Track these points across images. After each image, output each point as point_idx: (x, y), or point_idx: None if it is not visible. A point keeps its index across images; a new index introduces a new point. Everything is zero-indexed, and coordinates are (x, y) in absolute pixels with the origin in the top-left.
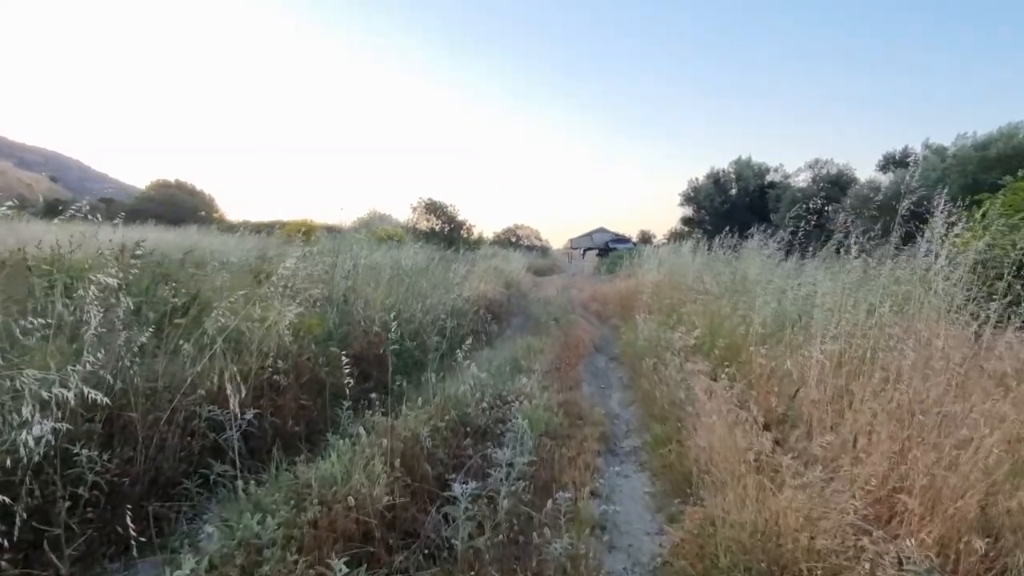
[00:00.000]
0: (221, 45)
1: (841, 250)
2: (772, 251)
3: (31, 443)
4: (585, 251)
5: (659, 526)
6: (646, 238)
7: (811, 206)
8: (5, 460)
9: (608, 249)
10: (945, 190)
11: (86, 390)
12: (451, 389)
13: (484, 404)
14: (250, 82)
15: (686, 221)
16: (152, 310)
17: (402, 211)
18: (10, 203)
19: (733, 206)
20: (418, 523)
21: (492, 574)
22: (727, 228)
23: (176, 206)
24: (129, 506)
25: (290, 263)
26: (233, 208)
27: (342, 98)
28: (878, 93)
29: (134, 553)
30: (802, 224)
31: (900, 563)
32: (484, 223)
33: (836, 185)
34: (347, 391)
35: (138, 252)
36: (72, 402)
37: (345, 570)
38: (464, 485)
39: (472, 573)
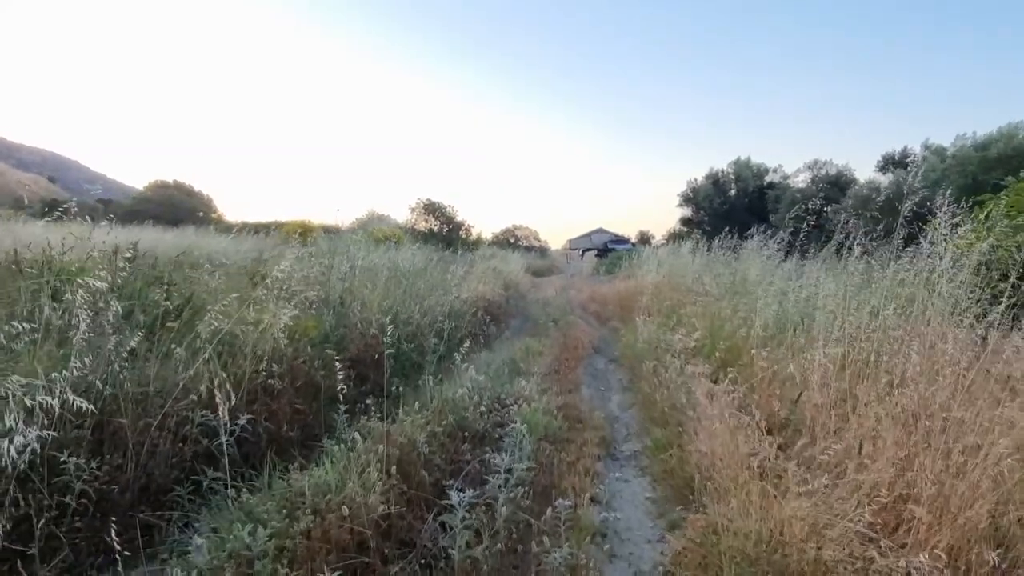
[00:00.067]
0: (221, 45)
1: (842, 251)
2: (772, 252)
3: (13, 453)
4: (584, 252)
5: (660, 533)
6: (645, 239)
7: (810, 207)
8: None
9: (607, 250)
10: (948, 191)
11: (71, 397)
12: (449, 392)
13: (482, 408)
14: (249, 82)
15: (685, 222)
16: (144, 313)
17: (401, 212)
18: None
19: (732, 207)
20: (414, 532)
21: None
22: (726, 229)
23: (174, 207)
24: (114, 519)
25: (285, 265)
26: (232, 208)
27: (341, 98)
28: (877, 93)
29: (119, 569)
30: (803, 225)
31: None
32: (483, 223)
33: (835, 186)
34: (341, 397)
35: (127, 255)
36: (57, 409)
37: None
38: (461, 493)
39: None
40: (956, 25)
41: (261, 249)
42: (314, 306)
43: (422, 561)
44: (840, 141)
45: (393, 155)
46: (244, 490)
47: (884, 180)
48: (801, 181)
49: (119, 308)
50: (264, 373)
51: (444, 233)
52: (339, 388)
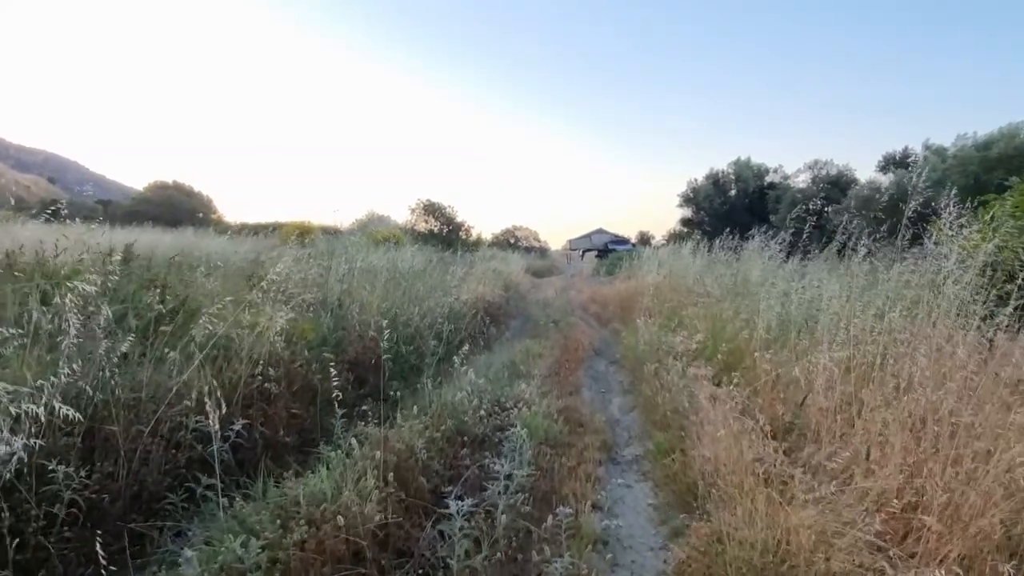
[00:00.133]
0: (221, 45)
1: (844, 252)
2: (773, 253)
3: None
4: (584, 252)
5: (663, 541)
6: (645, 239)
7: (811, 207)
8: None
9: (607, 250)
10: (953, 191)
11: (57, 405)
12: (448, 396)
13: (482, 412)
14: (249, 83)
15: (685, 222)
16: (137, 317)
17: (401, 212)
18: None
19: (732, 207)
20: (412, 541)
21: None
22: (727, 229)
23: (174, 207)
24: (102, 530)
25: (282, 267)
26: (232, 209)
27: (342, 99)
28: (877, 93)
29: None
30: (804, 226)
31: None
32: (483, 224)
33: (836, 186)
34: (336, 403)
35: (116, 257)
36: (44, 417)
37: None
38: (460, 501)
39: None
40: (956, 25)
41: (259, 251)
42: (312, 308)
43: (420, 572)
44: (840, 141)
45: (393, 156)
46: (238, 498)
47: (885, 180)
48: (802, 181)
49: (110, 312)
50: (260, 377)
51: (444, 234)
52: (335, 396)
